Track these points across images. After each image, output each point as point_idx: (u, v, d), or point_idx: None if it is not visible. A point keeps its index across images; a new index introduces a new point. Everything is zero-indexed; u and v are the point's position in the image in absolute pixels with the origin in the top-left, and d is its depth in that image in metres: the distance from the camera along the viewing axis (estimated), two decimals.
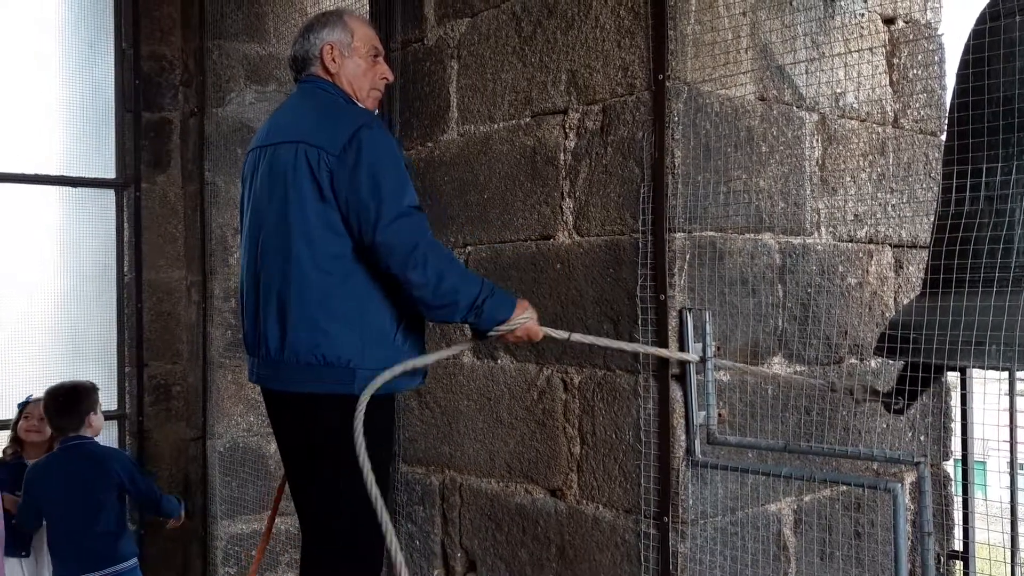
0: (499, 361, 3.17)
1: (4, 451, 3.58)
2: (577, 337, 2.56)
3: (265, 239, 2.31)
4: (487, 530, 3.17)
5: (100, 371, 4.44)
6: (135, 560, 3.34)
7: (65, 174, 4.35)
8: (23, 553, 3.37)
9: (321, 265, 2.23)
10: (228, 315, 4.41)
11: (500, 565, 3.10)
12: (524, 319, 2.35)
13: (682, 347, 2.61)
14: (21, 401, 3.61)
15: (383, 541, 2.04)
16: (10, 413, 3.70)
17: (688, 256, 2.63)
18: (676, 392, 2.62)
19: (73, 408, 3.39)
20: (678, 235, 2.61)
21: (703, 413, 2.60)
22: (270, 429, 4.45)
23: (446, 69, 3.34)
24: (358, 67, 2.44)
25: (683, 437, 2.61)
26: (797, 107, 3.00)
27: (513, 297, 2.38)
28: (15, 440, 3.53)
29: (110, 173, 4.46)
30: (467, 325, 2.41)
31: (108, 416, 4.37)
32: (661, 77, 2.60)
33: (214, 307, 4.40)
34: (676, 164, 2.60)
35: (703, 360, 2.57)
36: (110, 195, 4.46)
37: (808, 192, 3.02)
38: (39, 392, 3.61)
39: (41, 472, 3.30)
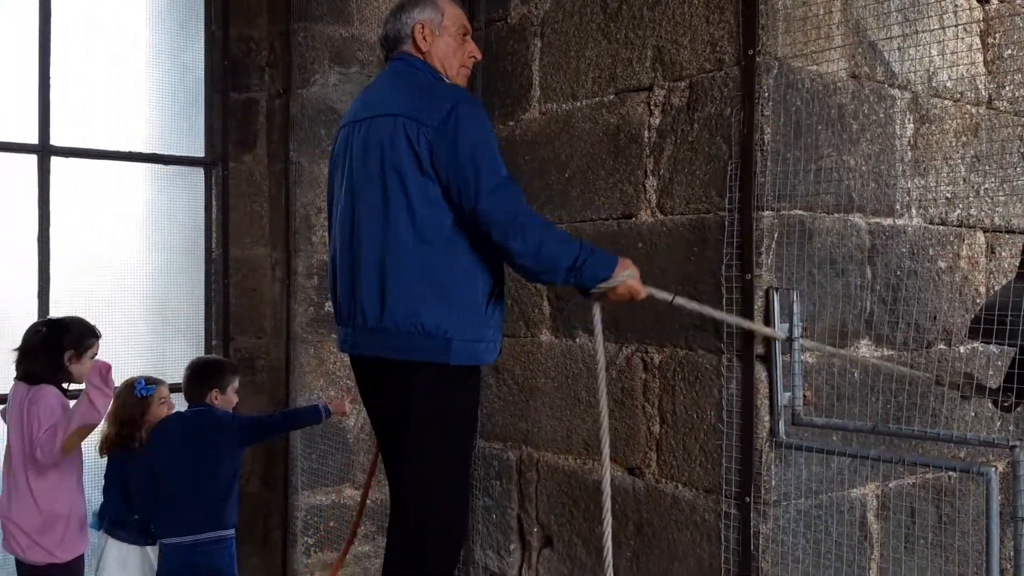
0: (577, 340, 3.18)
1: (111, 436, 3.48)
2: (680, 301, 2.50)
3: (362, 210, 2.35)
4: (564, 506, 3.19)
5: (189, 345, 4.58)
6: (233, 531, 3.41)
7: (156, 152, 4.49)
8: (150, 541, 3.41)
9: (421, 236, 2.27)
10: (311, 292, 4.50)
11: (576, 541, 3.12)
12: (626, 276, 2.34)
13: (768, 327, 2.58)
14: (142, 386, 3.52)
15: (468, 509, 2.07)
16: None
17: (776, 235, 2.60)
18: (760, 373, 2.59)
19: (203, 380, 3.46)
20: (766, 214, 2.57)
21: (788, 394, 2.57)
22: (351, 404, 4.56)
23: (529, 47, 3.34)
24: (448, 46, 2.47)
25: (767, 418, 2.59)
26: (889, 85, 2.94)
27: (613, 256, 2.37)
28: (128, 422, 3.47)
29: (199, 152, 4.59)
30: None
31: None
32: (751, 52, 2.57)
33: (297, 284, 4.49)
34: (765, 141, 2.57)
35: (790, 340, 2.54)
36: (199, 173, 4.58)
37: (899, 172, 2.95)
38: (131, 369, 3.70)
39: (161, 431, 3.38)
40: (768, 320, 2.57)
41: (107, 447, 3.46)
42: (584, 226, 3.12)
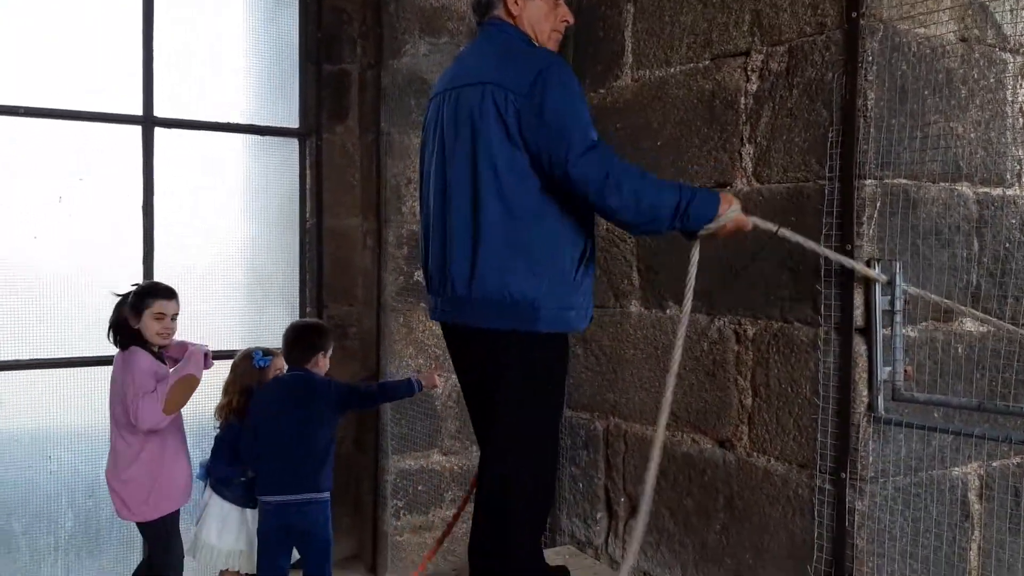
0: (667, 311, 3.14)
1: (227, 405, 3.61)
2: (784, 232, 2.43)
3: (452, 181, 2.36)
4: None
5: (283, 313, 4.71)
6: (328, 494, 3.49)
7: (253, 123, 4.60)
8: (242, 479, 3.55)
9: (508, 207, 2.27)
10: (400, 261, 4.56)
11: (664, 512, 3.11)
12: (732, 213, 2.30)
13: (868, 301, 2.51)
14: (260, 356, 3.64)
15: (555, 477, 2.07)
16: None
17: (878, 205, 2.51)
18: (859, 346, 2.52)
19: (310, 343, 3.52)
20: (868, 182, 2.49)
21: (888, 368, 2.50)
22: (438, 372, 4.62)
23: (622, 13, 3.29)
24: (540, 9, 2.45)
25: (865, 392, 2.52)
26: (1000, 49, 2.79)
27: (716, 193, 2.32)
28: (244, 391, 3.59)
29: (293, 123, 4.68)
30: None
31: None
32: (855, 15, 2.47)
33: (388, 254, 4.56)
34: (869, 107, 2.48)
35: (891, 284, 2.45)
36: (293, 144, 4.68)
37: (1010, 140, 2.81)
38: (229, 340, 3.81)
39: (263, 394, 3.49)
40: (869, 293, 2.49)
41: (223, 415, 3.59)
42: None
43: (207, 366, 3.48)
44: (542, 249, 2.28)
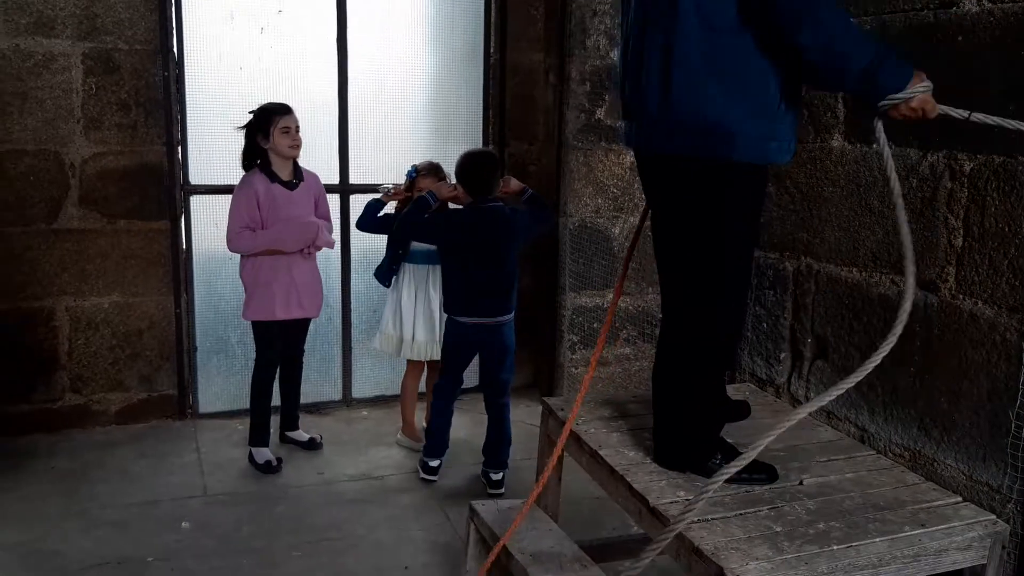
0: (874, 145, 2.96)
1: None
2: (979, 117, 2.27)
3: (651, 2, 2.27)
4: (842, 318, 3.10)
5: (465, 147, 4.77)
6: (513, 315, 3.73)
7: None
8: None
9: (709, 28, 2.15)
10: (583, 98, 4.50)
11: (854, 353, 3.03)
12: (922, 89, 2.14)
13: None
14: (409, 170, 3.95)
15: (744, 316, 2.01)
16: (392, 180, 4.11)
17: None
18: None
19: (494, 173, 3.67)
20: None
21: None
22: (616, 212, 4.61)
23: None
24: None
25: None
26: None
27: (910, 66, 2.17)
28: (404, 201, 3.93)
29: None
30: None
31: None
32: None
33: (570, 90, 4.50)
34: None
35: None
36: None
37: None
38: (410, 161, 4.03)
39: (455, 217, 3.68)
40: None
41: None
42: (893, 17, 2.84)
43: (320, 246, 3.83)
44: (742, 74, 2.16)
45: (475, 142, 4.77)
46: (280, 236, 3.68)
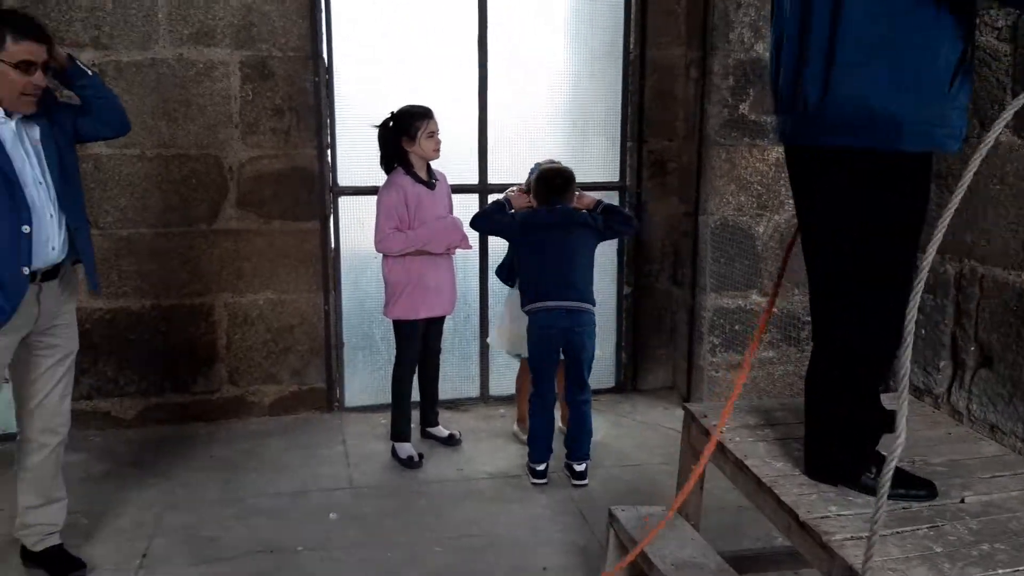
0: None
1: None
2: None
3: None
4: (1011, 325, 2.90)
5: (603, 145, 4.75)
6: (591, 311, 3.75)
7: None
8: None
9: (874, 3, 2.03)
10: (725, 93, 4.39)
11: (1021, 363, 2.84)
12: None
13: None
14: (532, 167, 3.96)
15: (901, 318, 1.88)
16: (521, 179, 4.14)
17: None
18: None
19: (571, 186, 3.81)
20: None
21: None
22: (760, 210, 4.47)
23: None
24: None
25: None
26: None
27: None
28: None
29: None
30: None
31: (608, 187, 4.71)
32: None
33: (712, 84, 4.39)
34: None
35: None
36: None
37: None
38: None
39: (527, 215, 3.80)
40: None
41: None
42: None
43: (462, 245, 3.92)
44: (911, 49, 2.02)
45: (613, 139, 4.73)
46: (432, 236, 3.78)
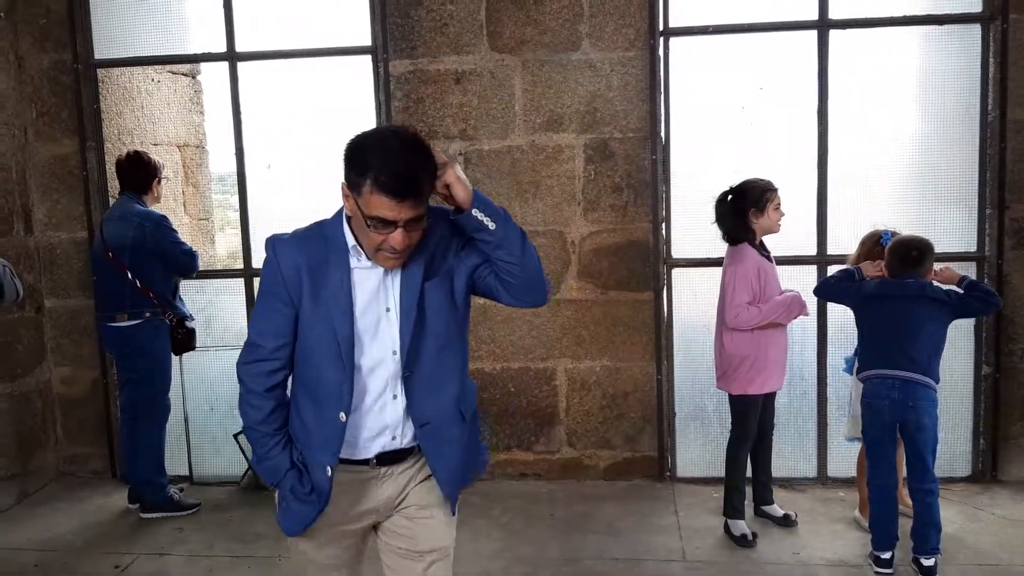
0: None
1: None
2: None
3: None
4: None
5: (957, 213, 4.43)
6: (933, 386, 3.46)
7: (930, 13, 4.32)
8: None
9: None
10: None
11: None
12: None
13: None
14: (888, 236, 3.78)
15: None
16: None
17: None
18: None
19: (928, 259, 3.56)
20: None
21: None
22: None
23: None
24: None
25: None
26: None
27: None
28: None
29: (975, 7, 4.28)
30: None
31: (966, 258, 4.39)
32: None
33: None
34: None
35: None
36: (975, 30, 4.29)
37: None
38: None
39: (873, 285, 3.64)
40: None
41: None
42: None
43: (802, 314, 3.86)
44: None
45: (969, 205, 4.41)
46: (785, 310, 3.77)
